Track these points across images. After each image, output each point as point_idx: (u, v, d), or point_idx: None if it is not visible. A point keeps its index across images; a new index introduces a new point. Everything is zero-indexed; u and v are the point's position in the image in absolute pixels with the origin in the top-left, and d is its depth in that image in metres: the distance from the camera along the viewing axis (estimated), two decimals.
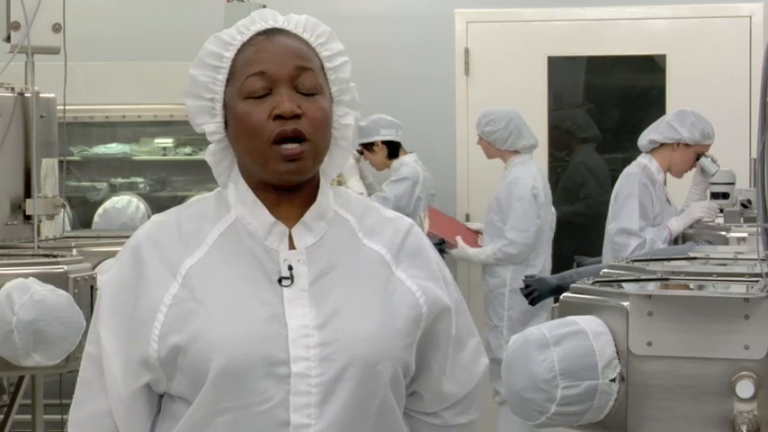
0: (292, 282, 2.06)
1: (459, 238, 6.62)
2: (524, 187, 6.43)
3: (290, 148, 2.03)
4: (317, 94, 2.07)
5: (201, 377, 2.01)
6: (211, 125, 2.11)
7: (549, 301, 5.74)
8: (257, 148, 2.05)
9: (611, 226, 5.72)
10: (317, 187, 2.13)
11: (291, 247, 2.09)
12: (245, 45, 2.09)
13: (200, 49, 2.12)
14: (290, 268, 2.06)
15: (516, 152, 6.53)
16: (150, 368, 2.06)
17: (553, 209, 6.67)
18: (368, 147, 6.84)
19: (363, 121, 6.78)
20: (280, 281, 2.06)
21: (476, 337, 2.27)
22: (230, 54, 2.09)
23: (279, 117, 2.03)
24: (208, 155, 2.16)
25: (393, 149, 6.84)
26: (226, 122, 2.10)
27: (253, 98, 2.05)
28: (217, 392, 2.01)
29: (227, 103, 2.09)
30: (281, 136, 2.03)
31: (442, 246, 6.54)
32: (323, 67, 2.10)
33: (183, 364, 2.03)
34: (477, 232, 6.69)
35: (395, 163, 6.84)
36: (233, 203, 2.12)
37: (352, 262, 2.11)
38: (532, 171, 6.56)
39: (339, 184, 6.89)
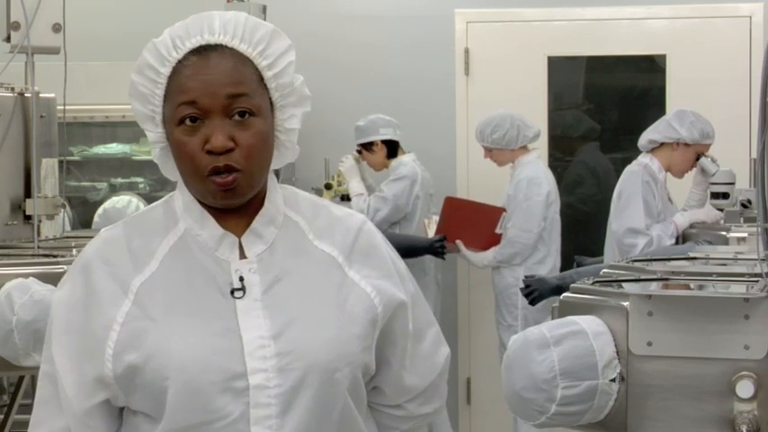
0: (244, 293, 2.04)
1: (460, 244, 6.59)
2: (536, 188, 6.43)
3: (222, 179, 2.01)
4: (253, 116, 2.04)
5: (160, 396, 2.00)
6: (153, 134, 2.10)
7: None
8: (194, 178, 2.04)
9: (615, 226, 5.72)
10: (265, 193, 2.12)
11: (242, 256, 2.08)
12: (179, 64, 2.05)
13: (140, 56, 2.10)
14: (242, 279, 2.05)
15: (525, 149, 6.54)
16: (106, 386, 2.05)
17: None
18: (367, 147, 6.83)
19: (362, 121, 6.79)
20: (232, 293, 2.05)
21: (434, 327, 2.26)
22: (166, 71, 2.06)
23: (211, 152, 2.01)
24: (154, 157, 2.15)
25: (392, 149, 6.84)
26: (168, 135, 2.09)
27: (186, 126, 2.03)
28: (176, 411, 2.00)
29: (165, 119, 2.07)
30: (213, 171, 2.02)
31: (442, 243, 6.53)
32: (262, 78, 2.07)
33: (141, 382, 2.02)
34: (502, 209, 6.63)
35: (393, 162, 6.83)
36: (180, 215, 2.11)
37: (305, 267, 2.10)
38: (544, 170, 6.58)
39: (339, 185, 6.90)
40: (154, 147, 2.12)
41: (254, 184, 2.06)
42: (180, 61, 2.05)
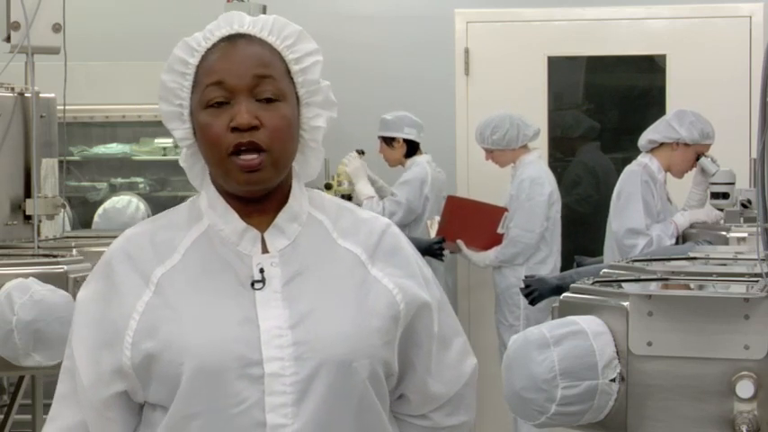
0: (264, 284, 2.06)
1: (461, 243, 6.59)
2: (539, 188, 6.43)
3: (246, 159, 2.03)
4: (279, 101, 2.06)
5: (175, 382, 2.01)
6: (180, 131, 2.12)
7: None
8: (217, 160, 2.06)
9: (615, 226, 5.71)
10: (289, 192, 2.13)
11: (265, 251, 2.09)
12: (208, 51, 2.08)
13: (170, 54, 2.11)
14: (262, 271, 2.06)
15: (525, 149, 6.54)
16: (124, 376, 2.06)
17: None
18: (387, 141, 6.87)
19: (389, 115, 6.83)
20: (252, 284, 2.06)
21: (461, 337, 2.26)
22: (194, 61, 2.08)
23: (236, 129, 2.03)
24: (181, 160, 2.17)
25: (411, 149, 6.89)
26: (194, 128, 2.11)
27: (212, 108, 2.05)
28: (190, 396, 2.01)
29: (192, 111, 2.09)
30: (237, 148, 2.03)
31: (441, 244, 6.54)
32: (289, 71, 2.09)
33: (157, 370, 2.03)
34: (504, 209, 6.63)
35: (408, 162, 6.89)
36: (205, 211, 2.12)
37: (327, 262, 2.11)
38: (545, 170, 6.58)
39: (339, 185, 6.90)
40: (181, 145, 2.14)
41: (278, 168, 2.07)
42: (208, 49, 2.08)
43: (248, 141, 2.02)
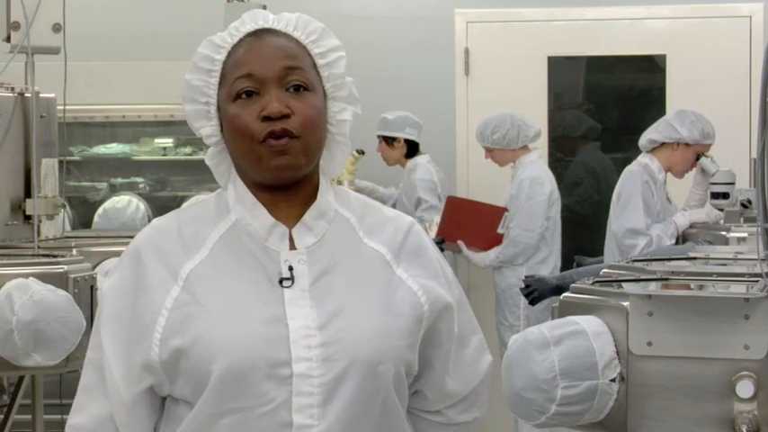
0: (293, 282, 2.06)
1: (461, 244, 6.60)
2: (539, 188, 6.43)
3: (278, 142, 2.03)
4: (308, 91, 2.08)
5: (204, 379, 2.02)
6: (207, 128, 2.13)
7: None
8: (248, 149, 2.06)
9: (615, 227, 5.71)
10: (317, 187, 2.14)
11: (292, 247, 2.09)
12: (234, 47, 2.10)
13: (195, 54, 2.12)
14: (291, 269, 2.07)
15: (526, 149, 6.54)
16: (152, 372, 2.06)
17: None
18: (388, 140, 6.89)
19: (390, 114, 6.87)
20: (281, 282, 2.06)
21: (478, 335, 2.27)
22: (221, 57, 2.10)
23: (267, 118, 2.04)
24: (207, 158, 2.17)
25: (411, 150, 6.91)
26: (222, 125, 2.11)
27: (242, 100, 2.06)
28: (219, 395, 2.01)
29: (220, 106, 2.10)
30: (269, 137, 2.04)
31: (441, 245, 6.55)
32: (315, 65, 2.11)
33: (186, 366, 2.03)
34: (504, 209, 6.64)
35: (409, 163, 6.90)
36: (232, 205, 2.13)
37: (353, 261, 2.11)
38: (545, 170, 6.58)
39: (339, 184, 6.91)
40: (208, 143, 2.14)
41: (308, 155, 2.07)
42: (235, 45, 2.10)
43: (281, 129, 2.03)
